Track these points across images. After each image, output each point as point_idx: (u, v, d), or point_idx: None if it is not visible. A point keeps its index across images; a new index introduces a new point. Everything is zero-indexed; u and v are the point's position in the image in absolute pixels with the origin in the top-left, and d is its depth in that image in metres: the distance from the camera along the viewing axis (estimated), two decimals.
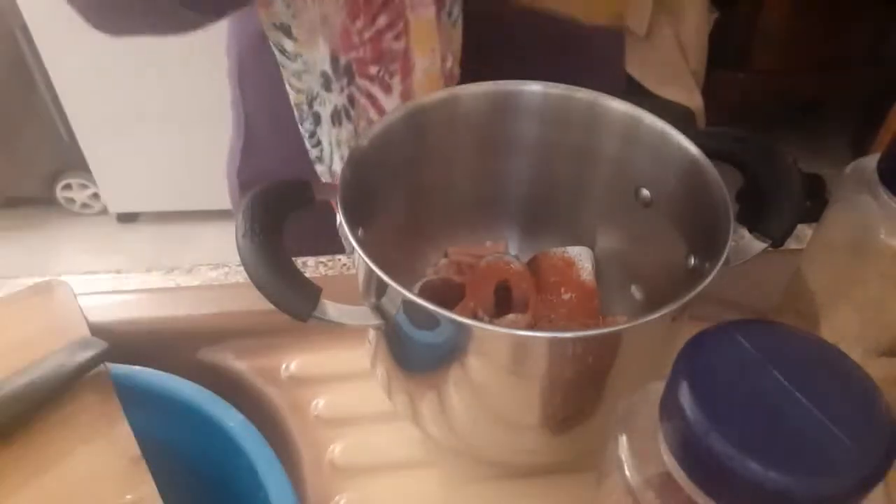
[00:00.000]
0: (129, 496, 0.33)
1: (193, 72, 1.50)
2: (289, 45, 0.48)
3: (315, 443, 0.44)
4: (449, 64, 0.49)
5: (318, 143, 0.53)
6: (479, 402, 0.36)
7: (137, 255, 1.78)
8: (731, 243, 0.34)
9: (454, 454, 0.43)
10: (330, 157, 0.54)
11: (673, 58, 1.58)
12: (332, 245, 0.54)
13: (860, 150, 1.81)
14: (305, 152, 0.55)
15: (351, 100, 0.50)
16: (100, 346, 0.38)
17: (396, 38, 0.47)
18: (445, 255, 0.48)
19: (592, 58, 0.60)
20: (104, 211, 1.83)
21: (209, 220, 1.80)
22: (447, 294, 0.44)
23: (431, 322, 0.33)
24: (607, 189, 0.45)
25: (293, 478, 0.36)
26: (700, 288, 0.32)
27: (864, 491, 0.21)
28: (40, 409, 0.36)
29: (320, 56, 0.48)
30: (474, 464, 0.42)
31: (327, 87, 0.50)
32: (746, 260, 0.36)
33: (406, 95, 0.50)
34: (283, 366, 0.47)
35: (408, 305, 0.33)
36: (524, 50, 0.55)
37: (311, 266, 0.53)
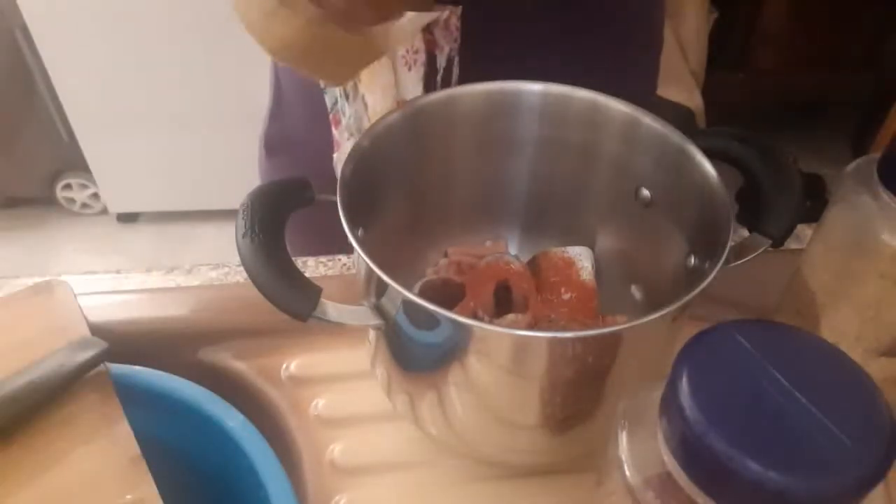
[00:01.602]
0: (129, 496, 0.33)
1: (194, 72, 1.50)
2: None
3: (315, 443, 0.44)
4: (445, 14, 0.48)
5: None
6: (479, 402, 0.36)
7: (137, 255, 1.78)
8: (731, 243, 0.34)
9: (454, 454, 0.43)
10: (334, 96, 0.53)
11: (673, 58, 1.58)
12: (333, 245, 0.54)
13: (860, 150, 1.81)
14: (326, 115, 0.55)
15: None
16: (100, 346, 0.38)
17: None
18: (445, 255, 0.48)
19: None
20: (104, 211, 1.83)
21: (209, 220, 1.80)
22: (447, 294, 0.44)
23: (431, 322, 0.33)
24: (607, 189, 0.45)
25: (293, 478, 0.36)
26: (700, 288, 0.32)
27: (864, 491, 0.21)
28: (40, 409, 0.36)
29: None
30: (474, 464, 0.42)
31: None
32: (746, 260, 0.36)
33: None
34: (283, 366, 0.47)
35: (408, 305, 0.33)
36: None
37: (311, 266, 0.53)
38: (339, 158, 0.55)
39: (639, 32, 0.62)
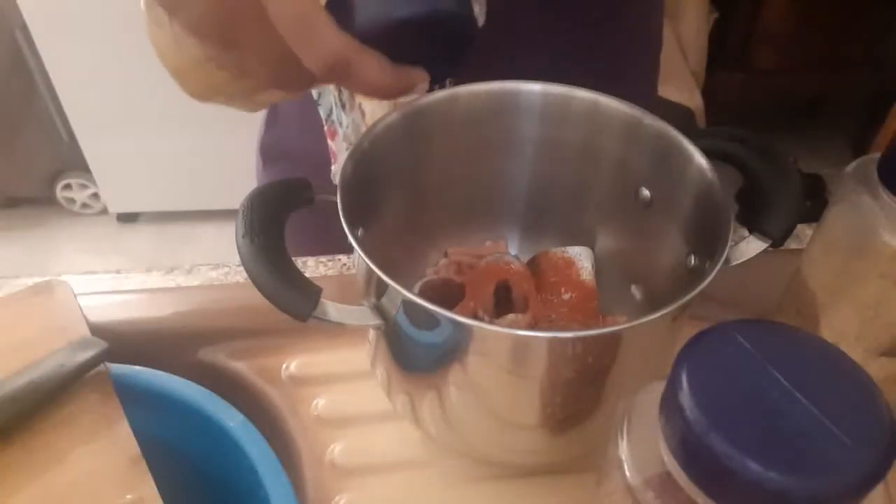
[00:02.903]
0: (129, 496, 0.33)
1: None
2: None
3: (315, 443, 0.44)
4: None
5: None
6: (479, 402, 0.36)
7: (137, 255, 1.78)
8: (731, 243, 0.34)
9: (454, 454, 0.43)
10: (329, 107, 0.53)
11: (673, 58, 1.58)
12: (332, 246, 0.54)
13: (860, 150, 1.81)
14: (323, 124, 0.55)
15: None
16: (100, 346, 0.38)
17: None
18: (445, 255, 0.48)
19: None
20: (104, 211, 1.83)
21: (209, 220, 1.80)
22: (447, 294, 0.44)
23: (431, 322, 0.33)
24: (607, 189, 0.45)
25: (293, 478, 0.36)
26: (700, 288, 0.32)
27: (864, 491, 0.21)
28: (40, 409, 0.36)
29: None
30: (474, 464, 0.42)
31: None
32: (746, 260, 0.36)
33: None
34: (283, 366, 0.47)
35: (408, 305, 0.33)
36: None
37: (311, 266, 0.53)
38: (338, 170, 0.55)
39: (638, 32, 0.62)
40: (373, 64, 0.31)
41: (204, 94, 0.38)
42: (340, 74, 0.31)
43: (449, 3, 0.32)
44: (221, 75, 0.35)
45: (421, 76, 0.34)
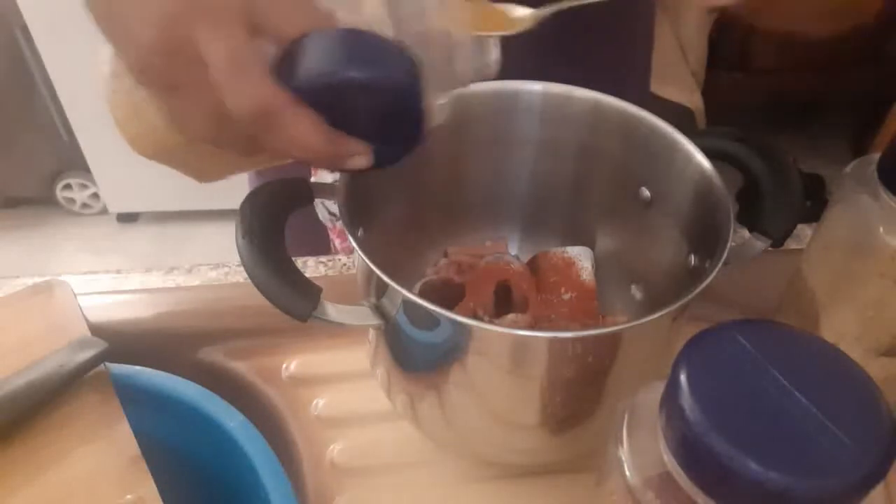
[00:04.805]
0: (129, 496, 0.33)
1: None
2: None
3: (315, 443, 0.44)
4: None
5: None
6: (479, 402, 0.36)
7: (137, 255, 1.78)
8: (731, 243, 0.34)
9: (454, 454, 0.43)
10: None
11: (673, 58, 1.58)
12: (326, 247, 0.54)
13: (860, 150, 1.81)
14: None
15: None
16: (100, 346, 0.38)
17: None
18: (445, 255, 0.48)
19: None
20: (104, 211, 1.83)
21: (209, 220, 1.80)
22: (447, 294, 0.44)
23: (431, 322, 0.33)
24: (607, 189, 0.45)
25: (293, 478, 0.36)
26: (700, 288, 0.32)
27: (864, 491, 0.21)
28: (40, 409, 0.36)
29: None
30: (474, 464, 0.42)
31: None
32: (746, 260, 0.36)
33: None
34: (283, 366, 0.47)
35: (408, 305, 0.33)
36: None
37: (311, 266, 0.53)
38: (319, 181, 0.55)
39: (634, 31, 0.62)
40: (304, 120, 0.29)
41: (158, 157, 0.37)
42: (266, 126, 0.29)
43: (398, 73, 0.29)
44: (175, 141, 0.34)
45: (359, 148, 0.31)
